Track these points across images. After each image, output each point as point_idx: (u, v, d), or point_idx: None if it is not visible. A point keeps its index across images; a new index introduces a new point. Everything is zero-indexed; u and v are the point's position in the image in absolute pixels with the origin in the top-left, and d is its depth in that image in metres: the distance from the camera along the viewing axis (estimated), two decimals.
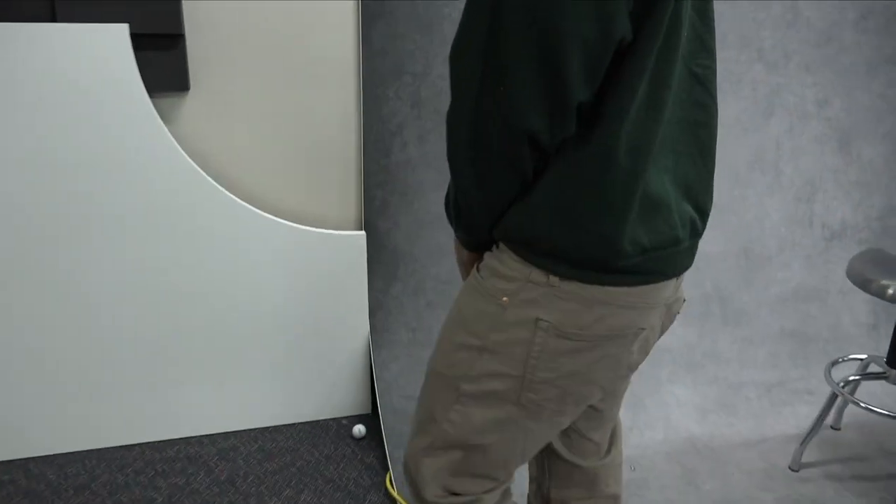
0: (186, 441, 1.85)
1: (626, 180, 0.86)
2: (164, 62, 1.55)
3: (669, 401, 2.18)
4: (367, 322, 1.90)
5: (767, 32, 2.30)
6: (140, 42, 1.51)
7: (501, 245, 0.97)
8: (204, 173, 1.63)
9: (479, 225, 0.98)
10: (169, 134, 1.58)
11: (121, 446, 1.81)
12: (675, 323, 2.34)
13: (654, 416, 2.13)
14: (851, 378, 2.03)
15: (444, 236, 2.11)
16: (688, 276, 2.37)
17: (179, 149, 1.59)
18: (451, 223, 1.03)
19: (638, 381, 2.21)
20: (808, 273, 2.46)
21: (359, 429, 1.88)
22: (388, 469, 1.75)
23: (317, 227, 1.79)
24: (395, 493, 1.66)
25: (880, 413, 1.85)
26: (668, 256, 0.94)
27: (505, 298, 0.95)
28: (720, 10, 2.22)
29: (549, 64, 0.78)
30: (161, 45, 1.54)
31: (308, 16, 1.63)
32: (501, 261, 0.96)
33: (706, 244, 2.35)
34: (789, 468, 1.97)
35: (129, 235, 1.63)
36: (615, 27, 0.78)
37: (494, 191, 0.91)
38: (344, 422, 1.95)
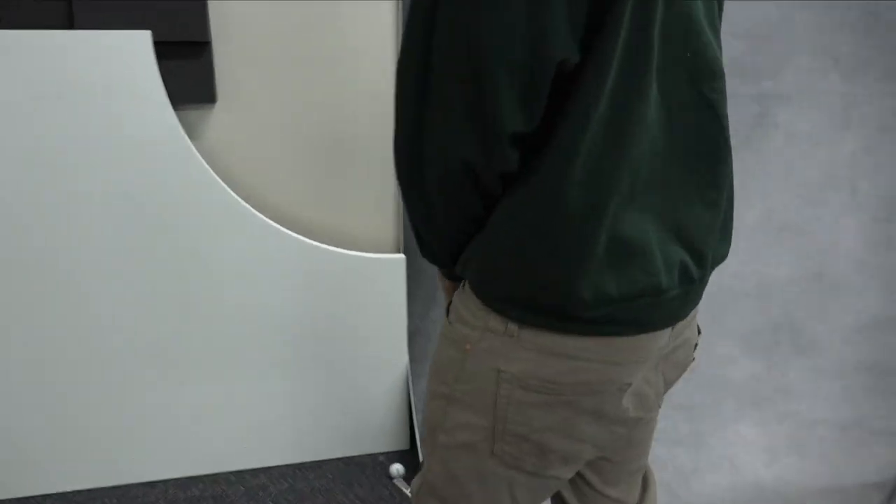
0: (213, 478, 1.72)
1: (580, 223, 0.76)
2: (189, 72, 1.44)
3: (735, 440, 2.00)
4: (406, 351, 1.76)
5: (843, 37, 2.11)
6: (163, 50, 1.40)
7: (466, 284, 0.90)
8: (231, 191, 1.51)
9: (439, 257, 0.92)
10: (194, 149, 1.46)
11: (142, 483, 1.69)
12: (740, 353, 2.16)
13: (717, 456, 1.95)
14: None
15: None
16: (755, 303, 2.20)
17: (205, 165, 1.48)
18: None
19: (699, 417, 2.03)
20: (888, 300, 2.26)
21: (396, 468, 1.74)
22: None
23: (352, 247, 1.66)
24: None
25: None
26: (649, 306, 0.82)
27: (468, 346, 0.88)
28: (790, 14, 2.05)
29: (475, 88, 0.71)
30: (186, 53, 1.43)
31: (344, 21, 1.50)
32: (465, 304, 0.90)
33: (774, 268, 2.16)
34: None
35: (150, 255, 1.52)
36: (551, 48, 0.69)
37: (443, 223, 0.86)
38: (380, 458, 1.81)
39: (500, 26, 0.67)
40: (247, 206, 1.52)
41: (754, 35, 2.01)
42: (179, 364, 1.61)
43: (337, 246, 1.63)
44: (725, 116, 0.87)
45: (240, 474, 1.74)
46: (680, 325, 0.90)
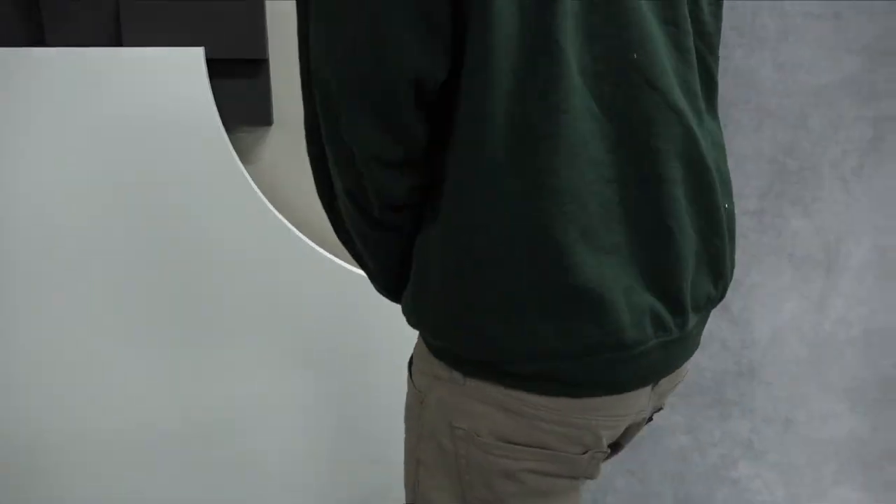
0: None
1: (490, 269, 0.68)
2: (244, 92, 1.36)
3: None
4: None
5: None
6: (217, 68, 1.32)
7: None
8: (286, 222, 1.42)
9: (387, 293, 0.87)
10: (247, 175, 1.38)
11: None
12: (843, 409, 1.95)
13: None
14: None
15: None
16: (861, 353, 1.98)
17: (259, 193, 1.39)
18: None
19: (797, 480, 1.84)
20: None
21: None
22: None
23: None
24: None
25: None
26: (615, 363, 0.72)
27: (421, 401, 0.80)
28: None
29: (329, 106, 0.67)
30: (241, 71, 1.35)
31: None
32: (417, 348, 0.83)
33: (885, 314, 1.94)
34: None
35: (199, 290, 1.44)
36: (396, 64, 0.61)
37: (366, 256, 0.81)
38: None
39: (341, 42, 0.62)
40: (301, 235, 1.43)
41: (874, 50, 1.79)
42: (245, 416, 1.53)
43: None
44: (705, 128, 0.76)
45: None
46: (665, 381, 0.79)
